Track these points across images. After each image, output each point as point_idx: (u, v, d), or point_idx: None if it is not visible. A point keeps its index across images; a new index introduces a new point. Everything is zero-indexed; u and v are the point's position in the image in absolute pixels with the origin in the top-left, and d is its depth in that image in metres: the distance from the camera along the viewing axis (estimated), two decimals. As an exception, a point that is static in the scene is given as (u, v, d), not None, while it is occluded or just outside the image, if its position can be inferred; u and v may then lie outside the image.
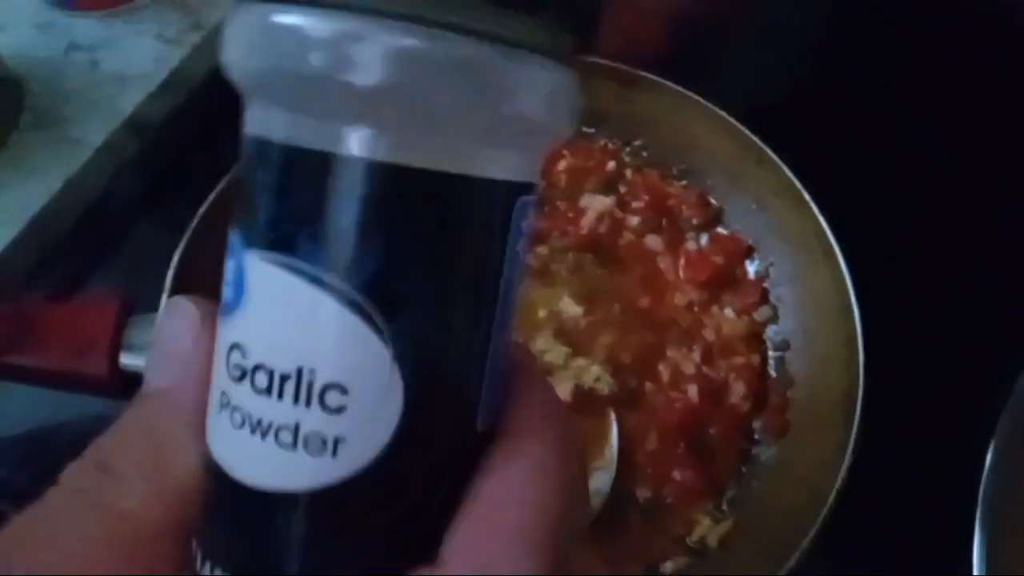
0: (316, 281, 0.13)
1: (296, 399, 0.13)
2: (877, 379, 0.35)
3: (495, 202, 0.14)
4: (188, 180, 0.43)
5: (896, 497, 0.36)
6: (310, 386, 0.13)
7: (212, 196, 0.40)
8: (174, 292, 0.38)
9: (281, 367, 0.13)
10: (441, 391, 0.14)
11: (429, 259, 0.14)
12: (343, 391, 0.13)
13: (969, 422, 0.34)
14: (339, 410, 0.13)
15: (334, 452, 0.13)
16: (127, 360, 0.36)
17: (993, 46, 0.47)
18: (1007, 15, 0.47)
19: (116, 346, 0.36)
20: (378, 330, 0.13)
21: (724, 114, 0.42)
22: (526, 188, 0.15)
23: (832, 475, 0.33)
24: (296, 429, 0.13)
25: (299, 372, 0.13)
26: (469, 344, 0.14)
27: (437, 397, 0.14)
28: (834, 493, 0.33)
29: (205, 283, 0.43)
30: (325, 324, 0.13)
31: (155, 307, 0.37)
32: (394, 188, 0.13)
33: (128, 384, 0.37)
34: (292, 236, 0.13)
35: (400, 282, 0.13)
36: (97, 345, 0.35)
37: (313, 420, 0.13)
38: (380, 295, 0.13)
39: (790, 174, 0.40)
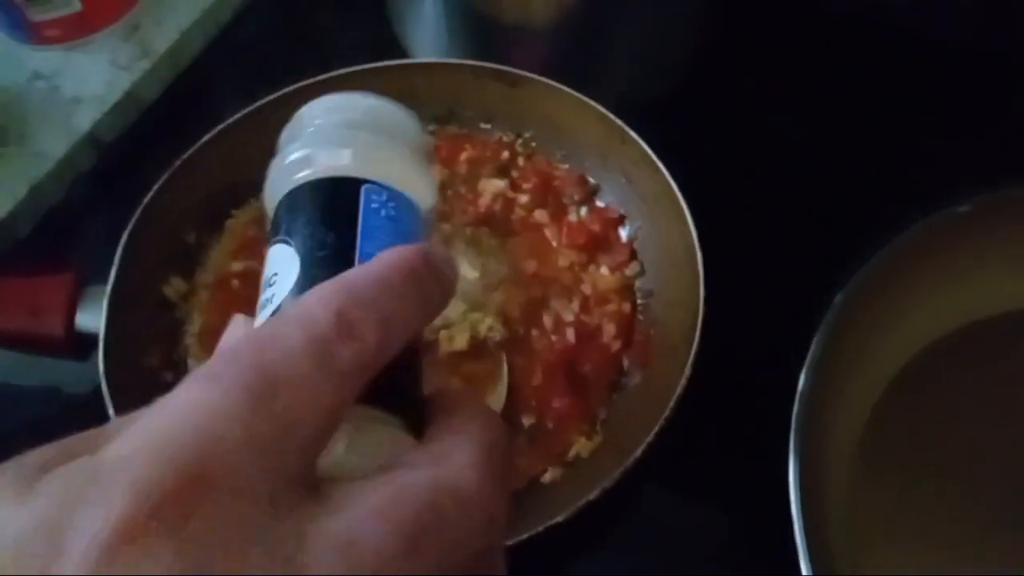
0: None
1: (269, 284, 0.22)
2: (714, 313, 0.42)
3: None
4: (137, 186, 0.49)
5: (725, 406, 0.43)
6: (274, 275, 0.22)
7: (154, 189, 0.47)
8: (121, 267, 0.44)
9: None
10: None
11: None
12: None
13: (787, 348, 0.41)
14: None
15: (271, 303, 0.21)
16: (82, 322, 0.43)
17: (823, 38, 0.56)
18: (844, 10, 0.55)
19: (72, 310, 0.42)
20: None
21: (593, 103, 0.49)
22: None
23: (673, 389, 0.40)
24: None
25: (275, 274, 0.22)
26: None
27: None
28: (674, 400, 0.39)
29: (148, 261, 0.49)
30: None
31: (106, 279, 0.44)
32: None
33: (82, 345, 0.43)
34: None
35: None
36: (54, 307, 0.42)
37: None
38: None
39: (646, 147, 0.47)
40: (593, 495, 0.37)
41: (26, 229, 0.54)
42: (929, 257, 0.45)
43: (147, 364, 0.45)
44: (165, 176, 0.47)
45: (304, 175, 0.23)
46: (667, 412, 0.39)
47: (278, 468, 0.16)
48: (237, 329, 0.21)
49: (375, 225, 0.22)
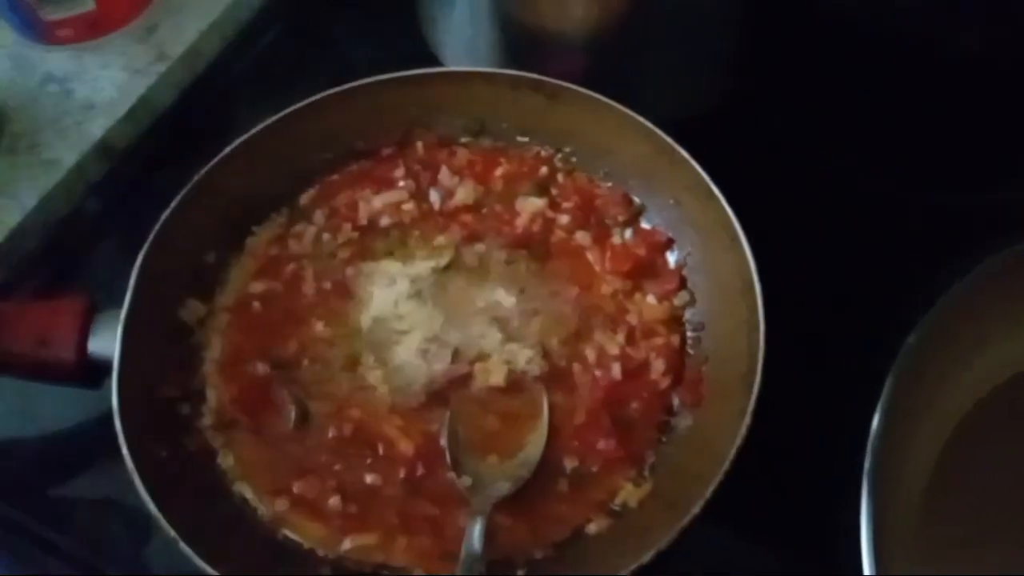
0: None
1: None
2: (775, 351, 0.39)
3: None
4: (151, 197, 0.46)
5: (791, 455, 0.39)
6: None
7: (172, 206, 0.44)
8: (137, 291, 0.41)
9: None
10: None
11: None
12: None
13: (856, 391, 0.37)
14: None
15: None
16: (95, 348, 0.40)
17: (880, 64, 0.52)
18: (896, 35, 0.51)
19: (84, 335, 0.39)
20: None
21: (640, 118, 0.46)
22: None
23: (733, 437, 0.37)
24: None
25: None
26: None
27: None
28: (733, 452, 0.36)
29: (165, 283, 0.46)
30: None
31: (121, 304, 0.41)
32: None
33: (95, 372, 0.40)
34: None
35: None
36: (66, 334, 0.39)
37: None
38: None
39: (700, 170, 0.44)
40: (646, 558, 0.34)
41: (34, 242, 0.51)
42: (1003, 295, 0.42)
43: (164, 393, 0.42)
44: (183, 193, 0.44)
45: None
46: (726, 466, 0.36)
47: None
48: None
49: None
